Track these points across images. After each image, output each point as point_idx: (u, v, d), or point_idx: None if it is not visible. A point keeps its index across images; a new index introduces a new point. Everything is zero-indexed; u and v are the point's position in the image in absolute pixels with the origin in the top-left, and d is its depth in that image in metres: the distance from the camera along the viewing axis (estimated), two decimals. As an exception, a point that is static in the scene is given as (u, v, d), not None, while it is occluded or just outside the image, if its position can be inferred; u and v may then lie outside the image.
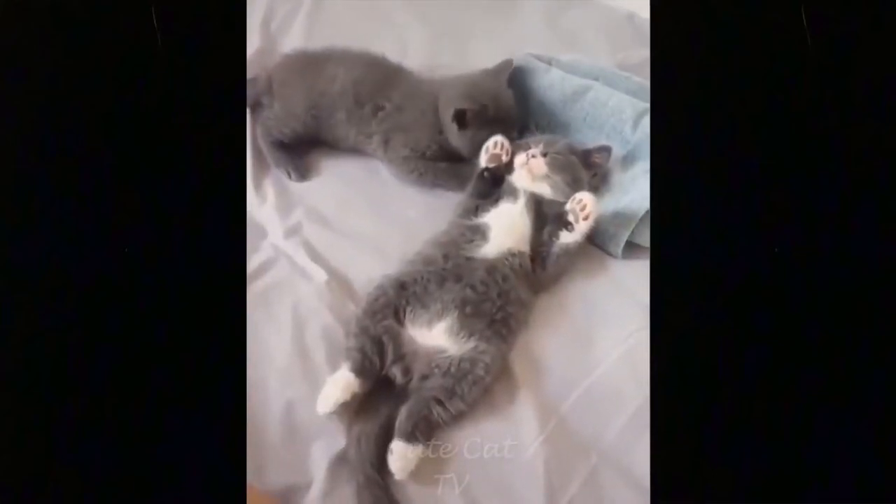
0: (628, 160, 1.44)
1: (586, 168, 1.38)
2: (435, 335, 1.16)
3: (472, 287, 1.19)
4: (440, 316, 1.17)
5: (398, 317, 1.18)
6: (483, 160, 1.36)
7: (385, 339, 1.15)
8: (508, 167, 1.35)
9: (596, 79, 1.52)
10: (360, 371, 1.12)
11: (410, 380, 1.13)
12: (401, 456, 1.05)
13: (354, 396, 1.11)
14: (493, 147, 1.35)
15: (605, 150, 1.40)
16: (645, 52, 1.67)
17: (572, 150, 1.38)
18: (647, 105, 1.43)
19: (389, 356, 1.14)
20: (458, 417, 1.10)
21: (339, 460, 1.07)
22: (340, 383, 1.11)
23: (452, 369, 1.11)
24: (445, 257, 1.24)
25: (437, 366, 1.12)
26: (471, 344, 1.14)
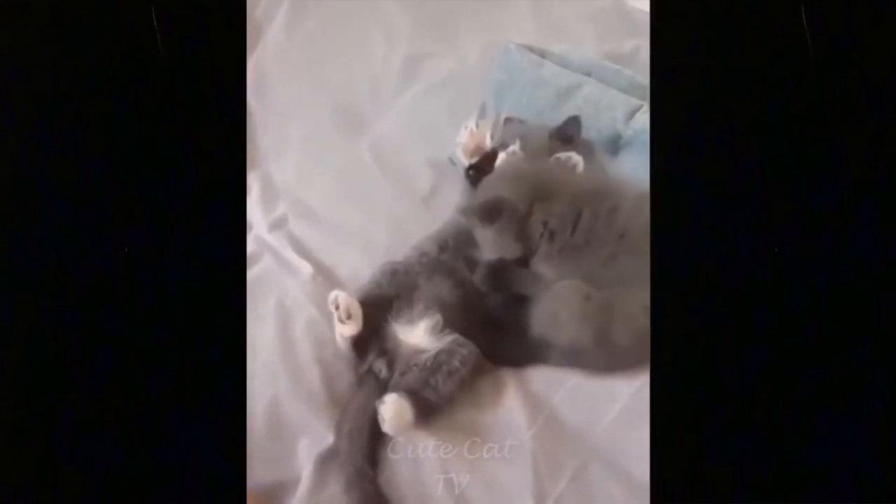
0: (618, 149, 1.44)
1: (562, 143, 1.37)
2: (417, 333, 1.16)
3: (461, 282, 1.19)
4: (423, 314, 1.17)
5: (385, 311, 1.18)
6: (463, 157, 1.29)
7: (373, 331, 1.16)
8: (491, 159, 1.29)
9: (588, 73, 1.52)
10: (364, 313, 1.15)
11: (392, 375, 1.13)
12: (393, 405, 1.06)
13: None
14: (469, 138, 1.28)
15: (575, 121, 1.40)
16: (634, 42, 1.68)
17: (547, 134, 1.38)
18: (640, 102, 1.43)
19: (376, 348, 1.16)
20: (434, 410, 1.11)
21: (327, 457, 1.07)
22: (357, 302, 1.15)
23: (428, 363, 1.12)
24: (441, 249, 1.24)
25: (416, 364, 1.13)
26: (451, 336, 1.15)
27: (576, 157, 1.23)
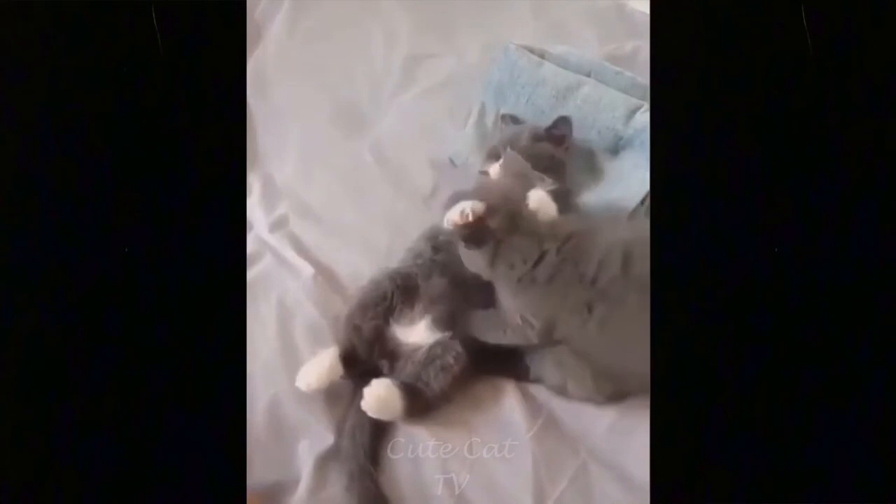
0: (618, 149, 1.44)
1: (553, 143, 1.37)
2: (417, 332, 1.17)
3: (456, 281, 1.19)
4: (423, 314, 1.17)
5: (387, 314, 1.18)
6: (446, 223, 1.19)
7: (373, 336, 1.16)
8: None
9: (588, 74, 1.52)
10: (347, 359, 1.13)
11: (393, 374, 1.14)
12: (377, 386, 1.07)
13: (332, 385, 1.12)
14: (461, 220, 1.16)
15: (565, 121, 1.40)
16: (634, 44, 1.68)
17: (537, 137, 1.38)
18: (640, 102, 1.43)
19: (377, 352, 1.16)
20: (428, 406, 1.11)
21: (327, 457, 1.07)
22: (326, 362, 1.12)
23: (421, 358, 1.12)
24: (435, 249, 1.24)
25: (412, 360, 1.13)
26: (447, 332, 1.15)
27: (546, 205, 1.19)
